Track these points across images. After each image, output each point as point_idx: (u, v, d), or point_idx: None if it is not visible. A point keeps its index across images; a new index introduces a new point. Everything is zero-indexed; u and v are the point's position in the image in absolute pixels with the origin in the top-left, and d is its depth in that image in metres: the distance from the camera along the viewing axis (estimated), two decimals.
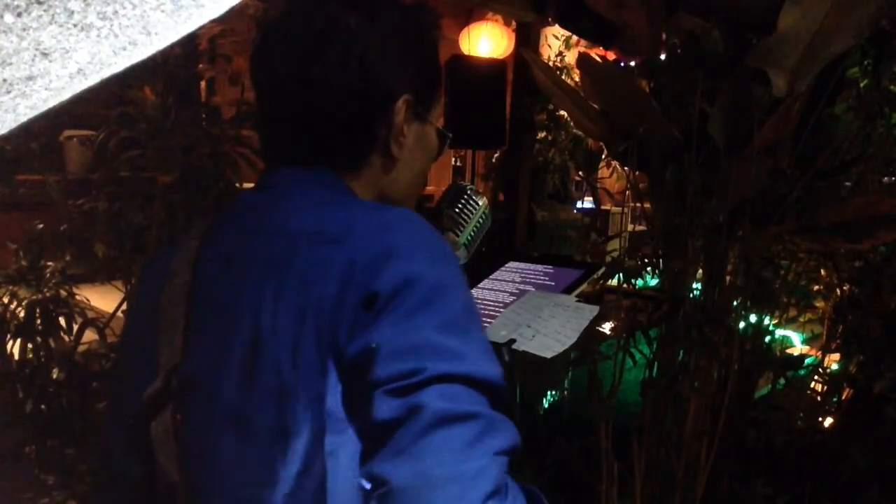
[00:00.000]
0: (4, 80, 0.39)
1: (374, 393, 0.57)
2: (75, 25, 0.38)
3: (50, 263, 2.38)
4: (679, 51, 1.82)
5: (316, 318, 0.61)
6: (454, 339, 0.59)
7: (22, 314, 2.25)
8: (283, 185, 0.74)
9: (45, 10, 0.36)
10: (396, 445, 0.54)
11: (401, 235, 0.64)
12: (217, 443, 0.66)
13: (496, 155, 4.43)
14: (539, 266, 1.16)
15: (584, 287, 1.08)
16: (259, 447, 0.63)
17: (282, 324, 0.62)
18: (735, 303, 1.91)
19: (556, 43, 4.09)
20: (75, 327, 2.33)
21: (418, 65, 0.78)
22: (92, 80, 0.43)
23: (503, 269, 1.18)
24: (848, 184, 2.01)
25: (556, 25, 2.24)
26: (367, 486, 0.56)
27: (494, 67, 3.61)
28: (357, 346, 0.59)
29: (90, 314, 2.40)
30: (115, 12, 0.38)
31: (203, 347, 0.68)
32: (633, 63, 2.02)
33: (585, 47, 3.31)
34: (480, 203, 1.01)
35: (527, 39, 3.68)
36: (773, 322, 2.04)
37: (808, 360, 2.28)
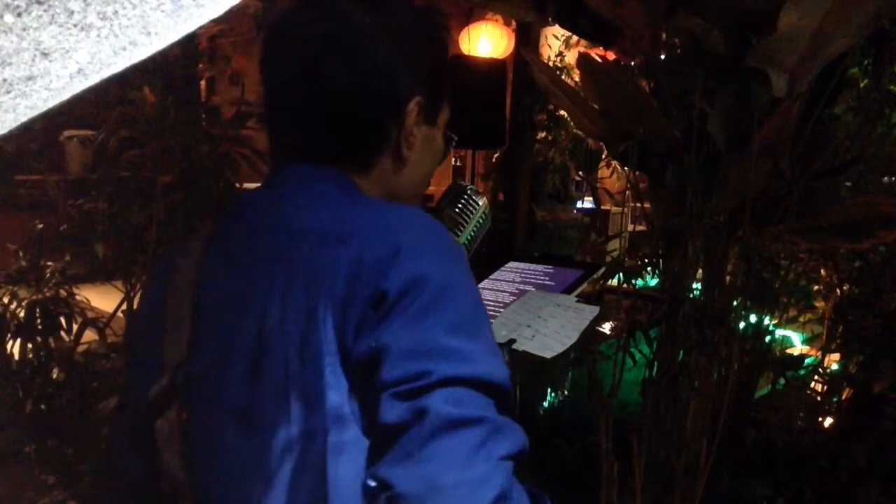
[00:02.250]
0: (4, 80, 0.39)
1: (381, 395, 0.57)
2: (75, 25, 0.38)
3: (50, 263, 2.38)
4: (679, 51, 1.82)
5: (324, 317, 0.61)
6: (462, 340, 0.59)
7: (22, 314, 2.25)
8: (289, 182, 0.73)
9: (45, 10, 0.36)
10: (403, 449, 0.54)
11: (408, 234, 0.64)
12: (222, 440, 0.66)
13: (496, 155, 4.42)
14: (539, 266, 1.16)
15: (584, 287, 1.08)
16: (262, 443, 0.63)
17: (290, 322, 0.62)
18: (735, 303, 1.91)
19: (556, 43, 4.09)
20: (75, 327, 2.33)
21: (429, 65, 0.76)
22: (92, 80, 0.43)
23: (503, 269, 1.18)
24: (848, 184, 2.01)
25: (556, 25, 2.24)
26: (373, 484, 0.56)
27: (494, 67, 3.60)
28: (365, 346, 0.59)
29: (90, 314, 2.39)
30: (115, 12, 0.38)
31: (209, 345, 0.68)
32: (633, 63, 2.02)
33: (585, 47, 3.31)
34: (480, 203, 1.01)
35: (527, 39, 3.69)
36: (773, 322, 2.05)
37: (808, 360, 2.28)
